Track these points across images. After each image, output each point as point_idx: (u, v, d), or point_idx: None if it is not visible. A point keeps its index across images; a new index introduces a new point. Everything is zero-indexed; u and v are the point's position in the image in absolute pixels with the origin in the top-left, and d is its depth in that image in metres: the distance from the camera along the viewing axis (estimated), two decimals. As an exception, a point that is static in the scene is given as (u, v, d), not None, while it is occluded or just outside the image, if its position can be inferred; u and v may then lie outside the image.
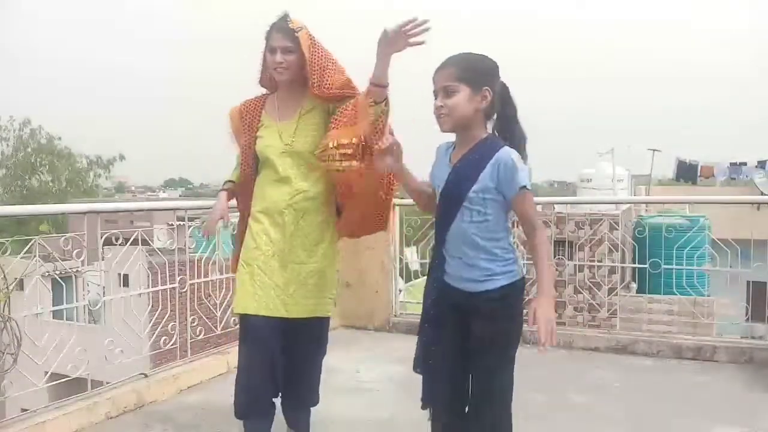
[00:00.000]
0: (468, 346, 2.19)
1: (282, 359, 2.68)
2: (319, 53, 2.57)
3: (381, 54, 2.28)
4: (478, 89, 2.09)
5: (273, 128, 2.68)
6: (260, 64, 2.73)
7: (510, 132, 2.18)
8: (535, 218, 2.12)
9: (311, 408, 2.87)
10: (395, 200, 3.14)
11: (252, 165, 2.74)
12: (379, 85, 2.34)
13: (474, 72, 2.11)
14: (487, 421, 2.21)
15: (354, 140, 2.42)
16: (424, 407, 2.32)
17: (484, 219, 2.11)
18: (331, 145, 2.46)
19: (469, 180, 2.10)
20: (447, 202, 2.18)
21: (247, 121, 2.74)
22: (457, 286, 2.19)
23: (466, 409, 2.25)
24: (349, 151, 2.42)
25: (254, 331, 2.63)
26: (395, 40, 2.21)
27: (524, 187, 2.06)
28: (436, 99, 2.14)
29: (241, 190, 2.80)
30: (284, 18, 2.60)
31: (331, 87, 2.56)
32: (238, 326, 2.80)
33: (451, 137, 2.23)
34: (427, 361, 2.26)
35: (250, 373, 2.66)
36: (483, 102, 2.11)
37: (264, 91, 2.82)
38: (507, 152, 2.07)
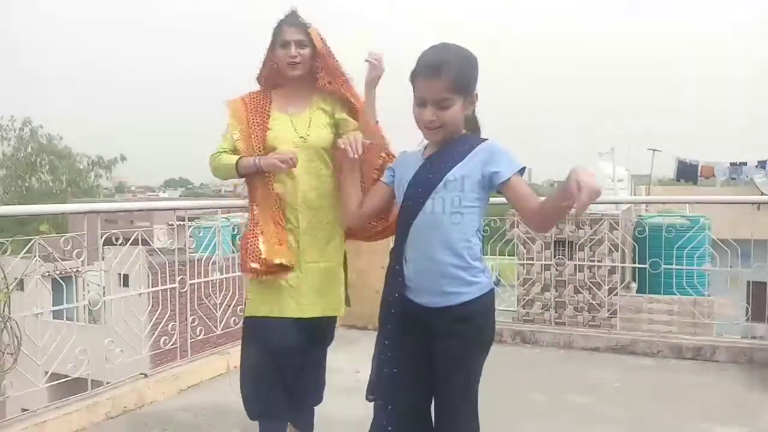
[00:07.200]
0: (432, 367, 1.98)
1: (291, 360, 2.63)
2: (327, 48, 2.58)
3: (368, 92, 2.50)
4: (469, 96, 1.97)
5: (284, 119, 2.61)
6: (265, 59, 2.65)
7: (473, 126, 2.06)
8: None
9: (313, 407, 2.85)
10: None
11: None
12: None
13: (467, 80, 1.95)
14: None
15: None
16: None
17: (456, 211, 1.90)
18: None
19: (449, 163, 1.93)
20: (416, 189, 1.97)
21: (257, 115, 2.61)
22: (418, 301, 1.97)
23: None
24: None
25: (263, 335, 2.56)
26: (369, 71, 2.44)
27: (523, 168, 1.92)
28: (421, 107, 1.94)
29: (249, 185, 2.68)
30: (294, 14, 2.59)
31: (340, 84, 2.59)
32: (241, 326, 2.76)
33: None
34: (383, 386, 2.06)
35: (259, 379, 2.61)
36: (472, 106, 2.01)
37: (257, 88, 2.72)
38: (493, 141, 1.97)
